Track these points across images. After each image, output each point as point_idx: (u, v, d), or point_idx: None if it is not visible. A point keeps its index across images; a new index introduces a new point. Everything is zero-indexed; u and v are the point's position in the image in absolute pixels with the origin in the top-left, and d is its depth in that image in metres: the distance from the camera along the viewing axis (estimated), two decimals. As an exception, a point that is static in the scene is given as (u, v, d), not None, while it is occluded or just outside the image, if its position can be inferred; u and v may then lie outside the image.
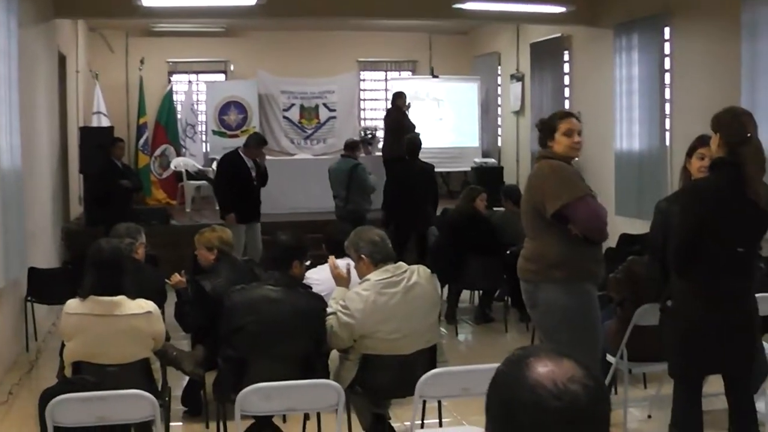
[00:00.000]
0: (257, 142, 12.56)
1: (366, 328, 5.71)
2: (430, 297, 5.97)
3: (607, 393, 1.80)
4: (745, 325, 5.18)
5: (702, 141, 5.81)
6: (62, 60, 14.21)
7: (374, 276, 5.82)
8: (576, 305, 5.74)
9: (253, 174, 12.33)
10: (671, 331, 5.37)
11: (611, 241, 8.75)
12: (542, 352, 1.80)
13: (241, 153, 12.40)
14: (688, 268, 5.15)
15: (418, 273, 5.94)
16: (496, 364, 4.90)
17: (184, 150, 18.54)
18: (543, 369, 1.74)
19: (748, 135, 5.02)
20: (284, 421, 6.69)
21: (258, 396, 4.79)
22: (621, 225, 12.19)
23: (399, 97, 15.68)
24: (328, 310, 5.87)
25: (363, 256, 5.92)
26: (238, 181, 12.20)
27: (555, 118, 5.89)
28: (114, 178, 13.07)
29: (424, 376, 4.90)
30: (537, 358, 1.78)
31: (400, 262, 5.97)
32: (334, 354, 6.19)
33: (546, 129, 5.83)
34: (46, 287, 9.68)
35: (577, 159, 6.00)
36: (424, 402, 6.18)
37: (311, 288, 6.24)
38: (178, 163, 17.70)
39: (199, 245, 7.13)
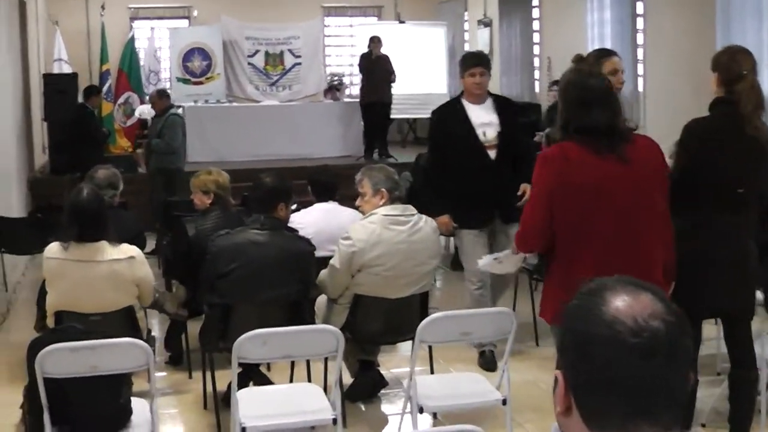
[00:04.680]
0: (466, 63, 7.22)
1: (366, 258, 5.65)
2: (432, 246, 5.92)
3: (689, 328, 1.67)
4: (743, 264, 5.10)
5: (608, 53, 5.76)
6: (22, 6, 13.86)
7: (383, 210, 5.75)
8: None
9: (485, 134, 7.01)
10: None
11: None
12: (618, 284, 1.70)
13: (463, 100, 7.19)
14: (682, 207, 5.05)
15: (425, 221, 5.89)
16: (499, 309, 4.76)
17: (147, 97, 18.24)
18: (621, 303, 1.65)
19: (744, 72, 4.94)
20: (269, 369, 6.58)
21: (254, 342, 4.66)
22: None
23: (371, 41, 15.70)
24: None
25: (383, 189, 5.84)
26: (453, 148, 7.06)
27: (600, 56, 5.77)
28: (91, 124, 13.33)
29: (424, 321, 4.81)
30: (613, 292, 1.68)
31: (410, 206, 5.88)
32: (321, 300, 6.09)
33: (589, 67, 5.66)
34: (14, 237, 9.44)
35: None
36: (412, 347, 6.11)
37: (297, 232, 6.11)
38: (142, 110, 17.37)
39: (194, 188, 6.84)
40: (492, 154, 6.92)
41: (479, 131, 6.94)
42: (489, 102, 7.11)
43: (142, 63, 18.48)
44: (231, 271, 5.59)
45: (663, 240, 4.49)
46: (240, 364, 5.70)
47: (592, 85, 4.42)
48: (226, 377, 5.50)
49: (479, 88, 7.01)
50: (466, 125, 6.96)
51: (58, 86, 14.27)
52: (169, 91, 18.30)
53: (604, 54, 5.86)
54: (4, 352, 7.59)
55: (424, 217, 5.91)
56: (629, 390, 1.62)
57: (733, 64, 5.00)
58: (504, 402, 5.00)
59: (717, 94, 5.09)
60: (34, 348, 4.40)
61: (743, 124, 4.90)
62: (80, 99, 14.46)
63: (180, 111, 12.94)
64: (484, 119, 6.98)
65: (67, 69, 16.45)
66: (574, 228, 4.34)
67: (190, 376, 6.84)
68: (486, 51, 17.91)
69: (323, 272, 5.84)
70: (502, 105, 7.21)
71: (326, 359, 5.74)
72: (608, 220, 4.31)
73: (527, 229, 4.53)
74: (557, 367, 1.74)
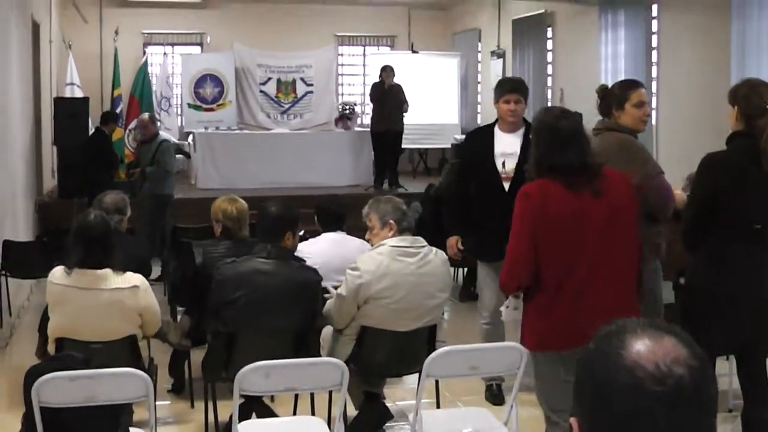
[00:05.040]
0: (502, 89, 6.76)
1: (373, 290, 5.53)
2: (442, 279, 5.78)
3: (713, 373, 1.58)
4: (761, 299, 4.99)
5: (634, 84, 5.66)
6: (35, 28, 13.84)
7: (391, 242, 5.63)
8: (648, 285, 5.45)
9: (504, 164, 6.58)
10: (684, 306, 5.19)
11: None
12: (639, 327, 1.60)
13: (495, 127, 6.76)
14: (698, 242, 4.97)
15: (435, 253, 5.77)
16: (508, 343, 4.63)
17: (158, 123, 18.13)
18: (642, 348, 1.55)
19: (767, 106, 4.83)
20: (272, 400, 6.48)
21: (257, 374, 4.56)
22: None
23: (383, 71, 15.54)
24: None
25: (391, 221, 5.70)
26: (473, 175, 6.83)
27: (626, 87, 5.63)
28: (106, 149, 13.48)
29: (432, 355, 4.70)
30: (634, 335, 1.58)
31: (419, 237, 5.77)
32: (327, 331, 5.99)
33: (614, 98, 5.58)
34: (21, 261, 9.37)
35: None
36: (419, 381, 6.00)
37: (304, 261, 6.02)
38: (152, 136, 17.36)
39: (211, 215, 6.72)
40: (507, 185, 6.51)
41: (498, 161, 6.58)
42: (521, 132, 6.64)
43: (154, 89, 18.44)
44: (236, 299, 5.49)
45: (634, 269, 4.65)
46: (242, 395, 5.61)
47: (563, 126, 4.57)
48: (228, 407, 5.38)
49: (513, 116, 6.58)
50: (488, 153, 6.62)
51: (69, 110, 14.26)
52: (179, 116, 18.49)
53: (630, 85, 5.71)
54: (7, 376, 7.52)
55: (434, 249, 5.80)
56: None
57: (754, 98, 4.88)
58: (511, 438, 4.90)
59: (735, 128, 4.97)
60: (31, 376, 4.29)
61: (763, 159, 4.80)
62: (94, 124, 14.48)
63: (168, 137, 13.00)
64: (507, 149, 6.58)
65: (79, 93, 16.45)
66: (555, 259, 4.48)
67: (192, 406, 6.73)
68: (498, 82, 17.88)
69: (329, 302, 5.75)
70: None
71: (330, 391, 5.64)
72: (586, 251, 4.46)
73: (514, 263, 4.58)
74: (571, 414, 1.64)
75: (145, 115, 12.95)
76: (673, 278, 5.45)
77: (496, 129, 6.74)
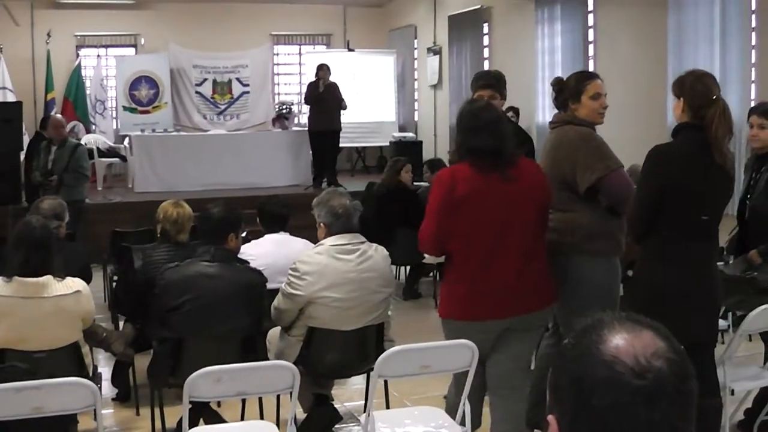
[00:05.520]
0: (476, 84, 6.62)
1: (314, 291, 5.50)
2: (384, 275, 5.76)
3: (692, 367, 1.55)
4: (709, 291, 5.03)
5: (590, 76, 5.64)
6: (-35, 32, 13.61)
7: (330, 241, 5.62)
8: (608, 282, 5.42)
9: None
10: (633, 300, 5.19)
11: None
12: (616, 321, 1.58)
13: None
14: (647, 235, 4.97)
15: (375, 249, 5.77)
16: (459, 341, 4.56)
17: (93, 127, 18.03)
18: (620, 342, 1.53)
19: (714, 97, 4.84)
20: (219, 405, 6.38)
21: (207, 380, 4.47)
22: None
23: (319, 69, 15.38)
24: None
25: (322, 224, 5.70)
26: None
27: (581, 79, 5.54)
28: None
29: (383, 354, 4.64)
30: (611, 329, 1.55)
31: (358, 234, 5.72)
32: (274, 332, 5.93)
33: (570, 91, 5.48)
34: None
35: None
36: (367, 381, 5.95)
37: (248, 263, 5.94)
38: (88, 140, 17.01)
39: None
40: None
41: None
42: None
43: (88, 92, 18.27)
44: (181, 304, 5.43)
45: (543, 254, 4.99)
46: (190, 401, 5.52)
47: (482, 115, 4.87)
48: (175, 413, 5.32)
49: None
50: None
51: (2, 115, 13.97)
52: (114, 119, 18.27)
53: (587, 77, 5.63)
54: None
55: (374, 245, 5.77)
56: None
57: (701, 88, 4.88)
58: (465, 437, 4.87)
59: (681, 119, 4.96)
60: (-26, 389, 4.19)
61: (712, 151, 4.79)
62: (28, 128, 14.25)
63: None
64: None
65: (11, 97, 16.23)
66: (462, 237, 4.79)
67: (138, 413, 6.60)
68: (435, 78, 17.93)
69: (275, 299, 5.68)
70: None
71: (278, 395, 5.58)
72: (490, 231, 4.77)
73: (423, 242, 4.95)
74: (549, 411, 1.60)
75: (59, 116, 12.67)
76: (622, 270, 5.44)
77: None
